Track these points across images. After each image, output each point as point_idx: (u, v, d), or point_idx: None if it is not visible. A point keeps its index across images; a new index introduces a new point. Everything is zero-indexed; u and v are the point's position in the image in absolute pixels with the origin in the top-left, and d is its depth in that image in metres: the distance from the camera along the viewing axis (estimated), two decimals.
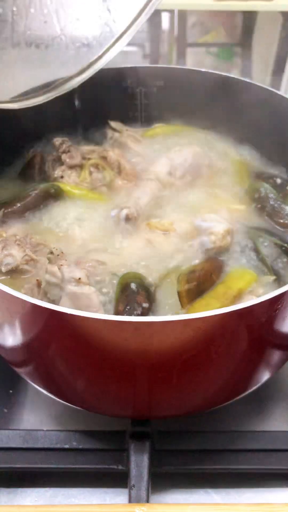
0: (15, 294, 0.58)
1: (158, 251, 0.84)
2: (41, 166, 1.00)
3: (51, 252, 0.74)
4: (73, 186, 0.97)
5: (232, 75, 1.05)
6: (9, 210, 0.90)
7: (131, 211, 0.89)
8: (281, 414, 0.86)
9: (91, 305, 0.71)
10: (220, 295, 0.74)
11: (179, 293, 0.74)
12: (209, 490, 0.77)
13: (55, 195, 0.94)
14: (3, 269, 0.79)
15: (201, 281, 0.76)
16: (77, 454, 0.76)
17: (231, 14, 2.79)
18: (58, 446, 0.77)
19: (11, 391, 0.88)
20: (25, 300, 0.57)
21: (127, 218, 0.88)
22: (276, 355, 0.74)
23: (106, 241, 0.86)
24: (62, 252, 0.75)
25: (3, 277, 0.80)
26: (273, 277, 0.78)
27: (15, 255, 0.79)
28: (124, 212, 0.88)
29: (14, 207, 0.90)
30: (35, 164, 0.99)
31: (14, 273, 0.80)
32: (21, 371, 0.78)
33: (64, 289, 0.71)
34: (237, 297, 0.74)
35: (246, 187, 0.98)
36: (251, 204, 0.95)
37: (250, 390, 0.77)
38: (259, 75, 2.78)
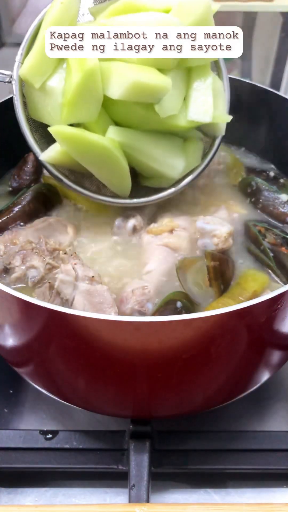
0: (15, 294, 0.58)
1: (178, 249, 0.84)
2: (36, 164, 0.99)
3: (65, 252, 0.74)
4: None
5: (231, 76, 1.05)
6: (7, 217, 0.88)
7: (137, 221, 0.88)
8: (281, 414, 0.86)
9: (105, 301, 0.71)
10: (236, 296, 0.76)
11: (207, 268, 0.77)
12: (209, 490, 0.77)
13: (48, 194, 0.94)
14: (30, 284, 0.78)
15: (222, 262, 0.79)
16: (77, 454, 0.77)
17: (231, 14, 2.79)
18: (58, 446, 0.77)
19: (11, 391, 0.88)
20: (25, 300, 0.57)
21: (134, 229, 0.87)
22: (275, 355, 0.74)
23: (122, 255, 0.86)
24: (75, 252, 0.76)
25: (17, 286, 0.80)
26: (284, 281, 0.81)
27: (38, 267, 0.78)
28: (131, 223, 0.87)
29: (11, 213, 0.89)
30: (30, 161, 0.99)
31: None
32: (21, 371, 0.79)
33: (78, 287, 0.71)
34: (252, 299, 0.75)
35: (238, 184, 1.00)
36: (246, 199, 0.96)
37: (250, 390, 0.78)
38: (259, 75, 2.78)
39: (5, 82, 0.82)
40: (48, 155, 0.83)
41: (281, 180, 0.99)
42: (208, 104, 0.80)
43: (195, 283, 0.78)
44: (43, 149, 0.85)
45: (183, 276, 0.79)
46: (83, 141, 0.78)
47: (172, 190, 0.88)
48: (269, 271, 0.82)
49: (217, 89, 0.85)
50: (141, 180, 0.90)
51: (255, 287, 0.78)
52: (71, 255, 0.75)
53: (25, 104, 0.84)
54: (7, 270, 0.80)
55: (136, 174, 0.88)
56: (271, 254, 0.82)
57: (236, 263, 0.84)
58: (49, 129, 0.79)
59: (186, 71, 0.81)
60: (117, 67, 0.74)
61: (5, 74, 0.82)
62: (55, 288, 0.73)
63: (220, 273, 0.79)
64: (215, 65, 0.88)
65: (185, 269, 0.80)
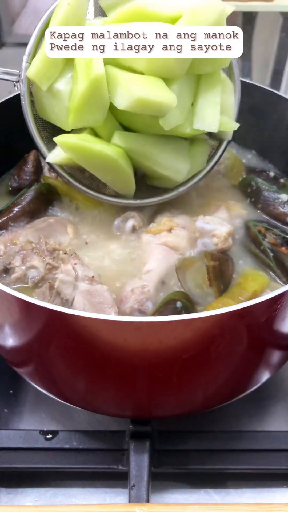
0: (15, 294, 0.58)
1: (177, 248, 0.84)
2: (36, 164, 0.99)
3: (65, 252, 0.75)
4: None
5: None
6: (7, 217, 0.88)
7: (136, 221, 0.88)
8: (281, 414, 0.86)
9: (105, 301, 0.71)
10: (236, 296, 0.76)
11: (207, 267, 0.78)
12: (209, 490, 0.77)
13: (48, 194, 0.94)
14: (30, 284, 0.78)
15: (221, 262, 0.80)
16: (77, 454, 0.77)
17: (231, 14, 2.79)
18: (58, 446, 0.77)
19: (11, 391, 0.88)
20: (25, 300, 0.57)
21: (134, 229, 0.88)
22: (275, 355, 0.74)
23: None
24: (75, 252, 0.76)
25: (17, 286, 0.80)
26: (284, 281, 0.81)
27: (38, 267, 0.78)
28: (130, 223, 0.88)
29: (12, 213, 0.89)
30: (30, 161, 0.99)
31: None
32: (21, 371, 0.79)
33: (78, 287, 0.71)
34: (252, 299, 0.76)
35: (238, 184, 1.00)
36: (246, 199, 0.96)
37: (250, 390, 0.78)
38: (259, 75, 2.77)
39: (13, 81, 0.82)
40: (53, 158, 0.83)
41: (281, 180, 0.99)
42: (215, 115, 0.80)
43: (195, 283, 0.78)
44: (50, 148, 0.85)
45: (183, 276, 0.79)
46: (87, 150, 0.78)
47: (175, 192, 0.88)
48: (269, 271, 0.82)
49: (226, 94, 0.84)
50: (146, 180, 0.90)
51: (255, 287, 0.78)
52: (71, 255, 0.75)
53: (32, 103, 0.84)
54: (7, 270, 0.80)
55: (141, 174, 0.88)
56: (271, 254, 0.82)
57: (236, 263, 0.84)
58: (54, 139, 0.79)
59: (195, 78, 0.81)
60: (123, 77, 0.74)
61: (13, 74, 0.82)
62: (55, 288, 0.73)
63: (220, 273, 0.79)
64: (228, 66, 0.87)
65: (185, 269, 0.80)
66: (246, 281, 0.79)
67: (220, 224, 0.84)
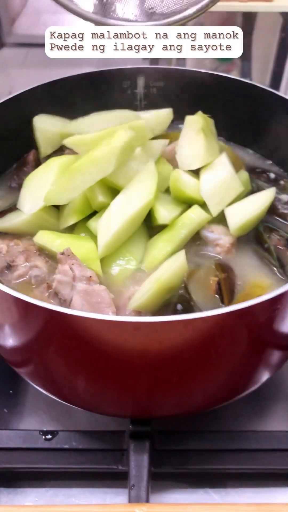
0: (15, 294, 0.58)
1: None
2: (36, 164, 0.99)
3: (62, 253, 0.75)
4: None
5: (231, 76, 1.05)
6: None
7: None
8: (281, 414, 0.86)
9: (103, 301, 0.71)
10: (241, 302, 0.75)
11: (219, 280, 0.78)
12: (209, 490, 0.77)
13: None
14: (33, 282, 0.79)
15: (229, 272, 0.80)
16: (77, 454, 0.77)
17: (231, 14, 2.79)
18: (58, 446, 0.77)
19: (11, 391, 0.88)
20: (25, 300, 0.57)
21: None
22: (276, 355, 0.74)
23: None
24: (72, 253, 0.76)
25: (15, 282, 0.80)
26: None
27: (41, 267, 0.79)
28: None
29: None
30: (29, 161, 0.99)
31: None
32: (21, 371, 0.79)
33: (76, 287, 0.71)
34: None
35: None
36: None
37: (250, 390, 0.77)
38: (259, 75, 2.78)
39: None
40: None
41: (281, 182, 0.98)
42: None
43: (203, 294, 0.78)
44: None
45: (191, 287, 0.78)
46: None
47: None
48: (274, 269, 0.82)
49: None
50: None
51: (259, 293, 0.77)
52: (69, 255, 0.75)
53: None
54: (9, 267, 0.81)
55: None
56: (275, 255, 0.82)
57: (240, 263, 0.83)
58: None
59: None
60: None
61: None
62: (53, 289, 0.73)
63: (229, 284, 0.78)
64: None
65: (192, 279, 0.79)
66: (251, 286, 0.79)
67: (224, 233, 0.84)
